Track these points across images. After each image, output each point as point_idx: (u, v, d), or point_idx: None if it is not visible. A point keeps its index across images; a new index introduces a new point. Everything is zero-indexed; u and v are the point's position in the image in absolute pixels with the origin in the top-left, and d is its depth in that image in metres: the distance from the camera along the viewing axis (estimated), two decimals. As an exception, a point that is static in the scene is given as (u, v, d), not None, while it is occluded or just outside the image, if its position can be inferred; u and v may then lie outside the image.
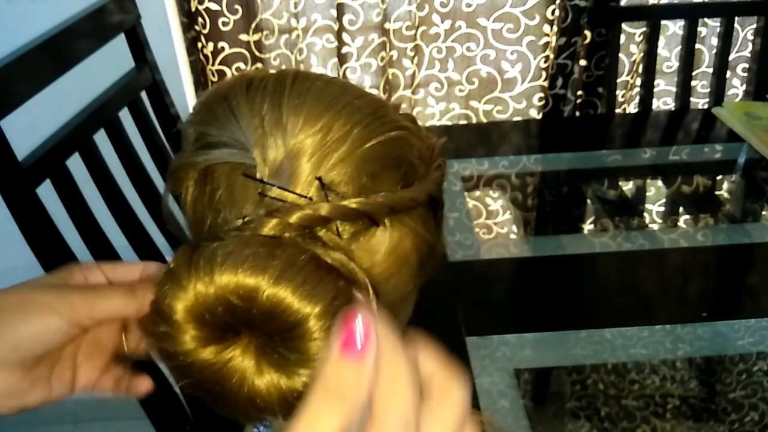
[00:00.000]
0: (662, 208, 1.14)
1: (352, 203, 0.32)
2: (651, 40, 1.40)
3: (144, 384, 0.45)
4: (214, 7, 1.32)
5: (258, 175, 0.33)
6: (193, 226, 0.36)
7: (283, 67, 1.43)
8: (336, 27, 1.39)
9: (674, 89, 1.46)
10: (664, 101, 1.56)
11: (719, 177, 1.24)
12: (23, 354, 0.39)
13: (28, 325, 0.38)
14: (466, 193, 1.16)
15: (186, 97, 1.39)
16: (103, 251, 0.87)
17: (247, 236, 0.31)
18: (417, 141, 0.38)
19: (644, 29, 1.42)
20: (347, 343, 0.24)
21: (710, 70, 1.48)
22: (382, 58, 1.43)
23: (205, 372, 0.31)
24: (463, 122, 1.54)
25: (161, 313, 0.31)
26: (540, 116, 1.53)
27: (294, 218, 0.31)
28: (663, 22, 1.42)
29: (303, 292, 0.29)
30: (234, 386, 0.31)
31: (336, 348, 0.25)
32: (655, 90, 1.47)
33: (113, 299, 0.40)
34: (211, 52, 1.37)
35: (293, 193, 0.32)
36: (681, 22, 1.43)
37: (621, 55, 1.46)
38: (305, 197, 0.33)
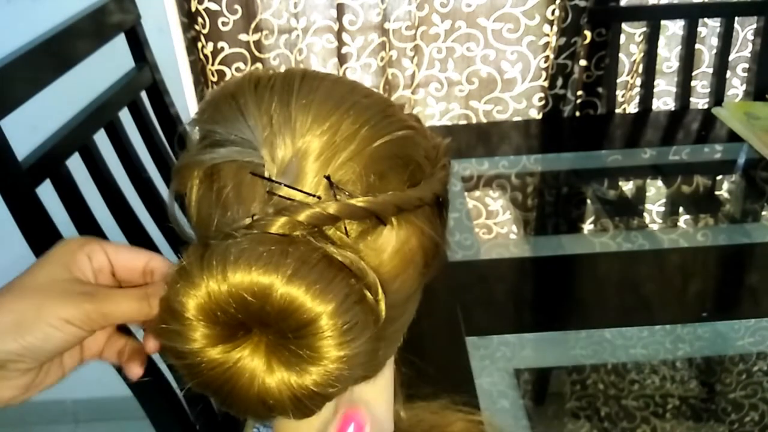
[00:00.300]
0: (662, 208, 1.14)
1: (360, 202, 0.32)
2: (651, 40, 1.40)
3: (135, 370, 0.44)
4: (213, 7, 1.32)
5: (266, 174, 0.33)
6: (198, 225, 0.36)
7: (283, 67, 1.43)
8: (336, 27, 1.39)
9: (674, 89, 1.46)
10: (664, 101, 1.56)
11: (719, 177, 1.24)
12: (43, 359, 0.39)
13: (48, 340, 0.38)
14: (466, 193, 1.16)
15: (186, 97, 1.39)
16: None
17: (259, 234, 0.31)
18: (423, 140, 0.38)
19: (644, 29, 1.43)
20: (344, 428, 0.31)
21: (710, 70, 1.48)
22: (382, 58, 1.43)
23: (215, 371, 0.31)
24: (463, 122, 1.54)
25: (172, 311, 0.31)
26: (540, 116, 1.53)
27: (303, 217, 0.32)
28: (663, 22, 1.42)
29: (316, 290, 0.30)
30: (244, 385, 0.31)
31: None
32: (655, 90, 1.47)
33: (127, 306, 0.40)
34: (211, 52, 1.37)
35: (301, 191, 0.33)
36: (681, 22, 1.43)
37: (621, 55, 1.46)
38: (314, 196, 0.33)
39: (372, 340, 0.32)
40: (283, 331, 0.30)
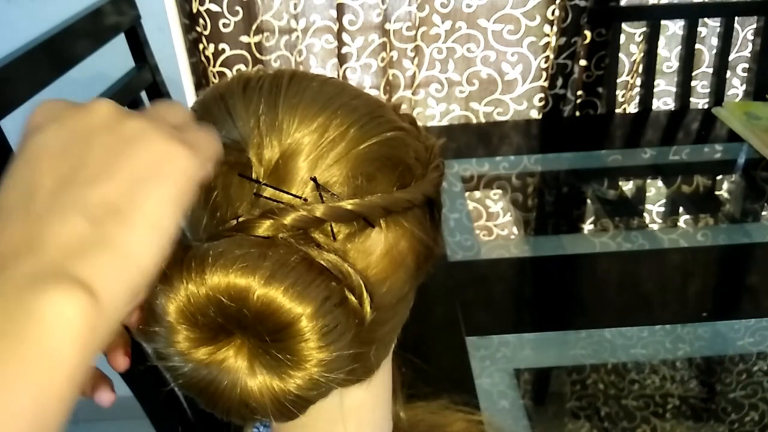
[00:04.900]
0: (662, 208, 1.14)
1: (347, 204, 0.32)
2: (651, 40, 1.40)
3: (105, 396, 0.41)
4: (214, 8, 1.32)
5: (253, 176, 0.33)
6: (190, 227, 0.36)
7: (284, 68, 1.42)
8: (336, 27, 1.39)
9: (674, 89, 1.46)
10: (664, 101, 1.56)
11: (719, 177, 1.24)
12: None
13: None
14: (466, 194, 1.16)
15: (186, 97, 1.39)
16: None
17: (239, 237, 0.31)
18: (414, 142, 0.38)
19: (644, 29, 1.43)
20: None
21: (710, 70, 1.48)
22: (383, 59, 1.43)
23: (198, 372, 0.31)
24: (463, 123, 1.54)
25: (154, 314, 0.31)
26: (540, 116, 1.53)
27: (288, 219, 0.31)
28: (663, 22, 1.42)
29: (294, 292, 0.29)
30: (227, 387, 0.31)
31: None
32: (655, 90, 1.47)
33: None
34: (212, 54, 1.37)
35: (288, 193, 0.32)
36: (681, 22, 1.43)
37: (621, 55, 1.46)
38: (300, 198, 0.33)
39: (355, 342, 0.31)
40: (261, 334, 0.30)
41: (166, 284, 0.30)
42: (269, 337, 0.30)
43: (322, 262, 0.31)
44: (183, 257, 0.30)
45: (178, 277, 0.30)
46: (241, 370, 0.31)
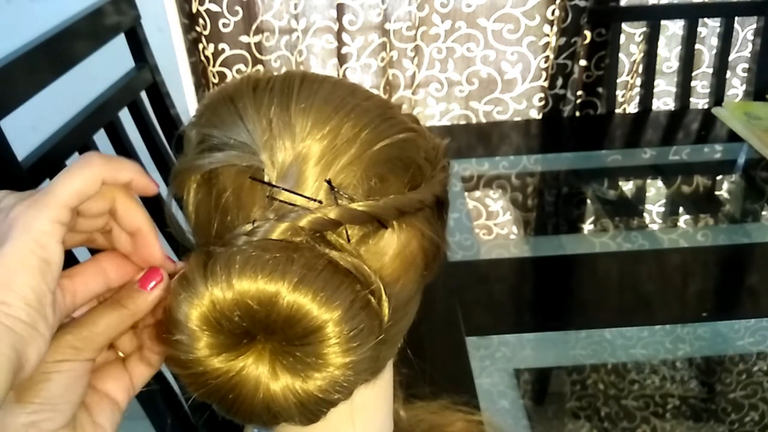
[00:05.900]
0: (662, 208, 1.14)
1: (361, 206, 0.32)
2: (651, 40, 1.40)
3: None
4: (214, 8, 1.32)
5: (266, 179, 0.33)
6: (197, 230, 0.36)
7: (284, 68, 1.43)
8: (336, 27, 1.39)
9: (674, 89, 1.47)
10: (664, 101, 1.56)
11: (719, 177, 1.24)
12: (63, 405, 0.34)
13: (50, 383, 0.33)
14: (466, 194, 1.16)
15: (185, 97, 1.39)
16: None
17: (263, 241, 0.31)
18: (423, 142, 0.38)
19: (644, 29, 1.43)
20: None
21: (710, 70, 1.48)
22: (383, 59, 1.43)
23: (219, 379, 0.31)
24: (463, 123, 1.54)
25: (175, 322, 0.31)
26: (540, 116, 1.53)
27: (304, 222, 0.31)
28: (663, 22, 1.42)
29: (322, 297, 0.29)
30: (249, 392, 0.31)
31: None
32: (655, 90, 1.47)
33: (105, 320, 0.35)
34: (212, 54, 1.37)
35: (302, 196, 0.32)
36: (681, 22, 1.43)
37: (621, 55, 1.46)
38: (315, 200, 0.32)
39: (377, 344, 0.32)
40: (289, 339, 0.30)
41: (189, 291, 0.30)
42: (296, 341, 0.30)
43: (345, 265, 0.31)
44: (206, 262, 0.30)
45: (202, 282, 0.30)
46: (263, 374, 0.31)
